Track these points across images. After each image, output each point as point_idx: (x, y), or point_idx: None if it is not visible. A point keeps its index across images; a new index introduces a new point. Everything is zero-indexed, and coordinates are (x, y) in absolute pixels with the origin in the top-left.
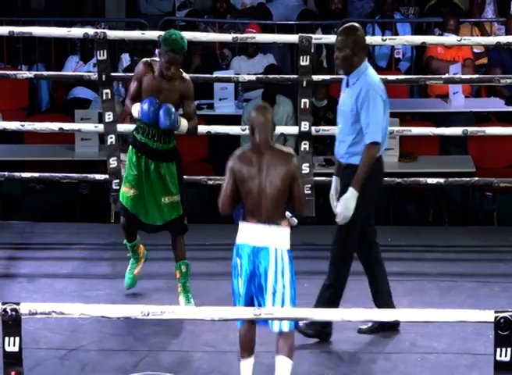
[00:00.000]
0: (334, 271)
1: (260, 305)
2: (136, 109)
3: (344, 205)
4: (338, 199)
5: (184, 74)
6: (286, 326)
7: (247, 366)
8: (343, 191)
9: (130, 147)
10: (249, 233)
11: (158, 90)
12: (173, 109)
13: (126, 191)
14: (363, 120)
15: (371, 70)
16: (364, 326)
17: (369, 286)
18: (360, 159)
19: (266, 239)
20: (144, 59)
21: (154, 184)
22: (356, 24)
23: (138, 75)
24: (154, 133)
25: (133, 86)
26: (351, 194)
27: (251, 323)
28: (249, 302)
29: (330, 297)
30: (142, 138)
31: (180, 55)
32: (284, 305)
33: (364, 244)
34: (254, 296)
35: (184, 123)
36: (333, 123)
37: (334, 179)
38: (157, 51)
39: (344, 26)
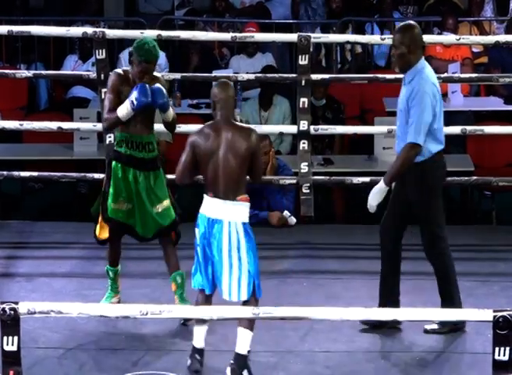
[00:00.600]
0: (436, 269)
1: (217, 277)
2: (124, 106)
3: (371, 194)
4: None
5: (155, 73)
6: (244, 295)
7: (200, 331)
8: (409, 191)
9: (114, 162)
10: (207, 206)
11: None
12: (165, 90)
13: (119, 207)
14: (410, 120)
15: (427, 70)
16: (428, 327)
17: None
18: (417, 158)
19: (220, 212)
20: (117, 70)
21: (144, 196)
22: (413, 22)
23: (114, 87)
24: (138, 144)
25: (110, 98)
26: (379, 187)
27: (208, 295)
28: (207, 271)
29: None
30: (127, 150)
31: (153, 64)
32: (241, 279)
33: (396, 237)
34: (211, 266)
35: (171, 109)
36: (332, 122)
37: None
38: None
39: (402, 24)
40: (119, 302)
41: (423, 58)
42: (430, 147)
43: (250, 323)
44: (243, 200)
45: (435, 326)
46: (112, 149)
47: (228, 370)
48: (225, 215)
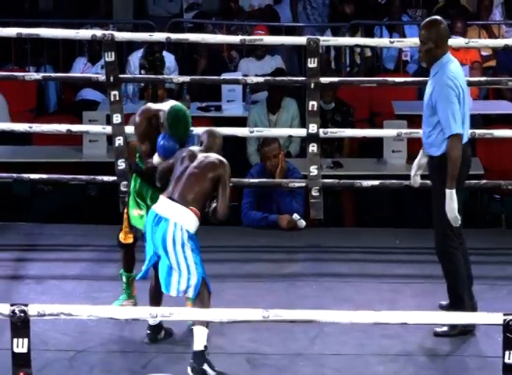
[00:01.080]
0: (444, 271)
1: (167, 269)
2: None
3: (448, 207)
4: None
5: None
6: (190, 293)
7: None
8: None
9: (134, 175)
10: (159, 203)
11: None
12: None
13: (139, 213)
14: (440, 115)
15: (453, 64)
16: (439, 329)
17: None
18: (435, 151)
19: (168, 211)
20: (145, 115)
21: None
22: (438, 17)
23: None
24: None
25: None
26: (449, 196)
27: (158, 287)
28: (155, 264)
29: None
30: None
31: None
32: (190, 276)
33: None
34: (159, 259)
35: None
36: (341, 125)
37: (421, 152)
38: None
39: (427, 19)
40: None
41: (448, 52)
42: None
43: (204, 320)
44: (195, 213)
45: (446, 329)
46: (135, 162)
47: (189, 370)
48: (172, 215)
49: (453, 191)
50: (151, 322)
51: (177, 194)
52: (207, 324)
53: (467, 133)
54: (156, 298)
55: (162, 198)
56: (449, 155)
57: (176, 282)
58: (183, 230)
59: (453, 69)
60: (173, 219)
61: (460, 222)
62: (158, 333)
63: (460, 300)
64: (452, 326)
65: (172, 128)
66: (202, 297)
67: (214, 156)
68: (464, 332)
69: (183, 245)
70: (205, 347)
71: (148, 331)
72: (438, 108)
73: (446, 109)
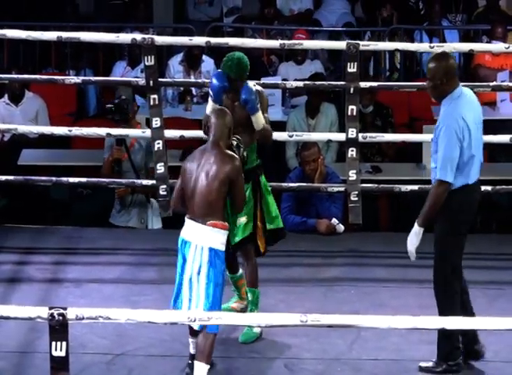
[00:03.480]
0: (441, 312)
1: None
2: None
3: (408, 239)
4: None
5: (257, 87)
6: (195, 324)
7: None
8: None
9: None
10: (184, 227)
11: (233, 111)
12: (254, 90)
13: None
14: (438, 155)
15: (463, 100)
16: (424, 364)
17: None
18: (458, 183)
19: (190, 234)
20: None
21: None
22: (447, 51)
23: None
24: None
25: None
26: (414, 230)
27: None
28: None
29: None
30: None
31: (237, 81)
32: (198, 303)
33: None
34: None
35: (261, 116)
36: (381, 129)
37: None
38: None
39: (436, 53)
40: (242, 308)
41: (460, 86)
42: (454, 180)
43: (205, 357)
44: (215, 226)
45: (430, 364)
46: None
47: None
48: (193, 237)
49: (421, 229)
50: (193, 351)
51: (194, 211)
52: (208, 360)
53: (475, 173)
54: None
55: (186, 220)
56: (430, 196)
57: (186, 306)
58: (204, 251)
59: (464, 105)
60: (194, 242)
61: (413, 258)
62: None
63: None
64: (437, 363)
65: (225, 64)
66: (204, 333)
67: (219, 157)
68: (450, 371)
69: (199, 267)
70: None
71: (190, 361)
72: (439, 146)
73: (444, 152)
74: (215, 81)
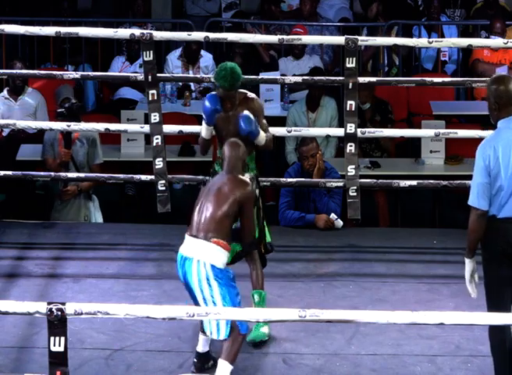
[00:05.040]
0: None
1: None
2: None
3: (465, 276)
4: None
5: (248, 94)
6: (222, 334)
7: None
8: None
9: (208, 178)
10: (184, 243)
11: (228, 120)
12: (252, 117)
13: None
14: None
15: (505, 133)
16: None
17: None
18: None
19: (191, 250)
20: None
21: None
22: (504, 75)
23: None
24: None
25: None
26: (466, 264)
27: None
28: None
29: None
30: (220, 169)
31: (232, 91)
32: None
33: None
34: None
35: (262, 134)
36: (381, 125)
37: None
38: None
39: (496, 76)
40: None
41: (509, 117)
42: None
43: (232, 356)
44: (219, 244)
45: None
46: (212, 166)
47: None
48: (194, 253)
49: (467, 260)
50: (200, 349)
51: (199, 229)
52: (232, 360)
53: (503, 207)
54: None
55: (186, 237)
56: (469, 223)
57: (207, 322)
58: (207, 267)
59: (504, 137)
60: (196, 257)
61: (474, 295)
62: (206, 362)
63: None
64: None
65: (218, 74)
66: (234, 337)
67: (233, 180)
68: None
69: (208, 280)
70: None
71: (195, 360)
72: None
73: (473, 177)
74: (207, 104)
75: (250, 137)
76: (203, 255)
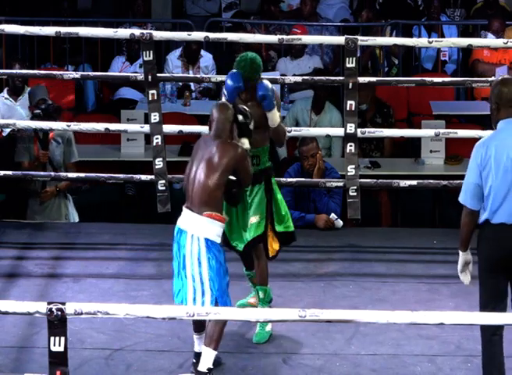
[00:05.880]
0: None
1: (183, 286)
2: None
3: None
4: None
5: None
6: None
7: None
8: None
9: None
10: (181, 215)
11: None
12: (271, 85)
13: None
14: None
15: (504, 134)
16: None
17: None
18: (482, 218)
19: (186, 223)
20: None
21: (240, 208)
22: (507, 78)
23: None
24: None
25: None
26: (459, 255)
27: None
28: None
29: None
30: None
31: (250, 81)
32: (205, 294)
33: None
34: (180, 274)
35: (277, 113)
36: (381, 126)
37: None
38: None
39: (499, 78)
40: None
41: (508, 118)
42: (480, 215)
43: (213, 342)
44: (211, 216)
45: None
46: None
47: None
48: (189, 227)
49: (461, 253)
50: (197, 349)
51: (192, 202)
52: (215, 346)
53: (503, 213)
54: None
55: (183, 209)
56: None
57: (191, 299)
58: (200, 241)
59: (500, 137)
60: (190, 231)
61: (466, 282)
62: None
63: None
64: None
65: (238, 64)
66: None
67: (221, 146)
68: None
69: (199, 259)
70: (209, 369)
71: (194, 360)
72: None
73: (466, 175)
74: (229, 82)
75: (264, 106)
76: (196, 229)
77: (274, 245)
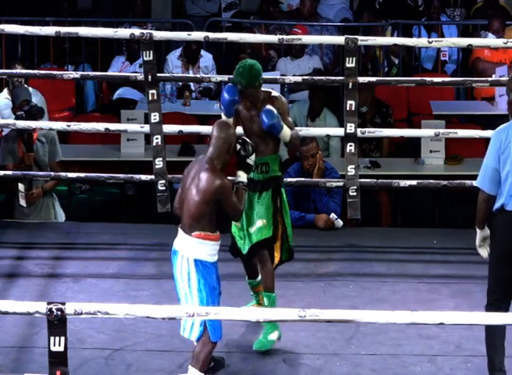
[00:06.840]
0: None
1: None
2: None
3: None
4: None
5: (273, 93)
6: (194, 335)
7: None
8: None
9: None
10: (177, 236)
11: (250, 119)
12: (275, 111)
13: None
14: None
15: None
16: None
17: None
18: (497, 204)
19: (178, 244)
20: None
21: (247, 213)
22: None
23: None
24: (258, 165)
25: None
26: (477, 232)
27: None
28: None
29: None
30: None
31: (250, 89)
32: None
33: None
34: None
35: (286, 129)
36: (380, 126)
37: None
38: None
39: None
40: None
41: None
42: (496, 200)
43: (199, 363)
44: (199, 237)
45: None
46: None
47: None
48: (180, 247)
49: (479, 231)
50: None
51: (183, 222)
52: (202, 367)
53: None
54: None
55: (178, 229)
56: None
57: (183, 321)
58: (190, 262)
59: None
60: (181, 252)
61: (485, 256)
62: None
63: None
64: None
65: (237, 71)
66: (204, 341)
67: (207, 175)
68: None
69: (189, 280)
70: None
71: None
72: None
73: (484, 159)
74: (225, 95)
75: (272, 132)
76: (186, 250)
77: (277, 255)
